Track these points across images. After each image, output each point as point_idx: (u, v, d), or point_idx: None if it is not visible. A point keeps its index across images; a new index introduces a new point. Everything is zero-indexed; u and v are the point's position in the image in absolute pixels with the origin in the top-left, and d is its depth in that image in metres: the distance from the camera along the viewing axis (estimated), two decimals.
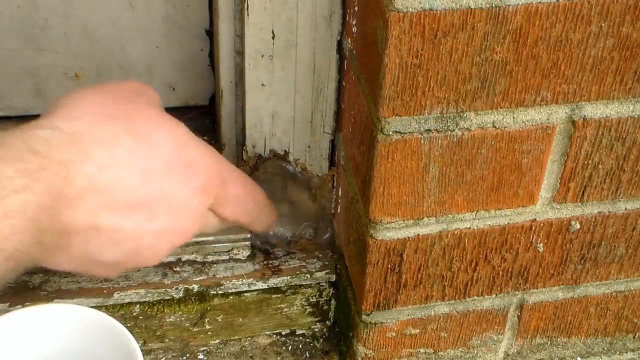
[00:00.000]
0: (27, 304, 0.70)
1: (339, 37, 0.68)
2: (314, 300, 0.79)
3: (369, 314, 0.70)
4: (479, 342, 0.75)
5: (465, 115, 0.59)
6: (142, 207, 0.55)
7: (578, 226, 0.68)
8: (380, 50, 0.55)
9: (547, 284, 0.72)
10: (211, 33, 0.80)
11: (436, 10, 0.53)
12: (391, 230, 0.64)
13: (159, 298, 0.74)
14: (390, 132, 0.58)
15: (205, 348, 0.79)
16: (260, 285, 0.76)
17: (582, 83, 0.59)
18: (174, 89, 0.84)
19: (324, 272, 0.77)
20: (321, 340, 0.81)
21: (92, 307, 0.64)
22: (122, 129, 0.54)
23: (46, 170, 0.48)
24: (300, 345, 0.80)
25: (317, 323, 0.81)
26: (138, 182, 0.54)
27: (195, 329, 0.77)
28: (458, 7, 0.53)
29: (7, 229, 0.46)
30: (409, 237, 0.65)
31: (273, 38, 0.68)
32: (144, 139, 0.55)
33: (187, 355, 0.78)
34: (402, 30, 0.53)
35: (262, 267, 0.76)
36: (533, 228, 0.67)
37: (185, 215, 0.58)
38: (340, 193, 0.75)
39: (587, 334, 0.78)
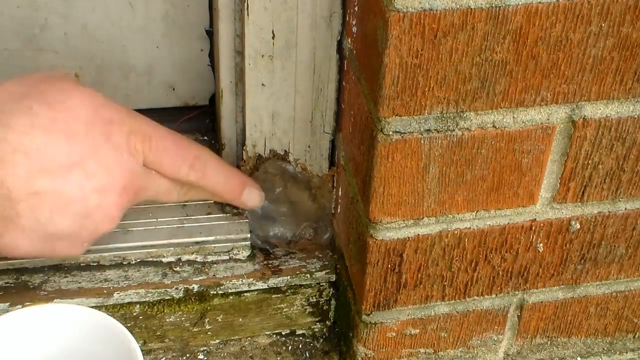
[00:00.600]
0: (27, 304, 0.70)
1: (339, 37, 0.68)
2: (314, 300, 0.79)
3: (369, 314, 0.70)
4: (479, 342, 0.75)
5: (465, 115, 0.59)
6: (74, 166, 0.58)
7: (578, 226, 0.68)
8: (380, 50, 0.55)
9: (547, 284, 0.72)
10: (211, 33, 0.80)
11: (436, 10, 0.53)
12: (391, 230, 0.64)
13: (159, 298, 0.74)
14: (390, 132, 0.58)
15: (205, 348, 0.79)
16: (260, 285, 0.76)
17: (582, 83, 0.59)
18: (174, 89, 0.84)
19: (324, 272, 0.77)
20: (321, 340, 0.81)
21: (92, 307, 0.64)
22: (36, 101, 0.58)
23: None
24: (300, 345, 0.80)
25: (317, 323, 0.81)
26: (63, 144, 0.58)
27: (195, 329, 0.77)
28: (458, 7, 0.53)
29: None
30: (409, 237, 0.65)
31: (273, 38, 0.68)
32: (59, 106, 0.58)
33: (187, 355, 0.78)
34: (402, 30, 0.53)
35: (262, 267, 0.76)
36: (533, 228, 0.67)
37: (119, 170, 0.61)
38: (340, 193, 0.75)
39: (587, 334, 0.78)
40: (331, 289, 0.79)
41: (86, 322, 0.61)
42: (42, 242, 0.60)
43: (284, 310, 0.79)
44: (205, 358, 0.78)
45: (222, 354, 0.78)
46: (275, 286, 0.76)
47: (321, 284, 0.78)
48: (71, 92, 0.60)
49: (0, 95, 0.58)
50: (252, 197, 0.73)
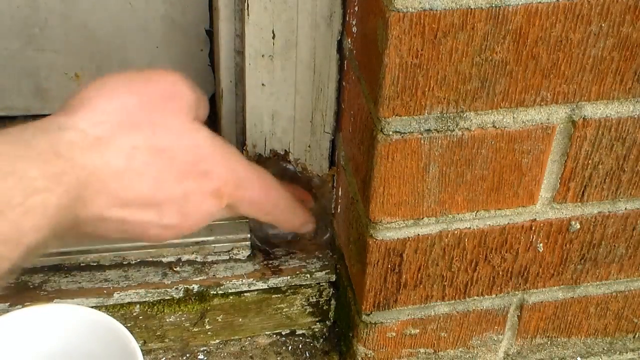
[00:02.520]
0: (27, 304, 0.70)
1: (339, 37, 0.68)
2: (314, 300, 0.79)
3: (369, 314, 0.70)
4: (479, 342, 0.75)
5: (465, 115, 0.59)
6: (152, 207, 0.57)
7: (578, 226, 0.68)
8: (380, 50, 0.55)
9: (547, 284, 0.72)
10: (211, 33, 0.80)
11: (436, 10, 0.53)
12: (391, 230, 0.64)
13: (159, 298, 0.74)
14: (390, 132, 0.58)
15: (205, 348, 0.79)
16: (260, 285, 0.76)
17: (582, 83, 0.59)
18: None
19: (324, 272, 0.77)
20: (321, 340, 0.81)
21: (92, 307, 0.64)
22: (142, 141, 0.55)
23: (68, 175, 0.50)
24: (300, 345, 0.80)
25: (317, 323, 0.81)
26: (149, 189, 0.56)
27: (195, 329, 0.77)
28: (458, 7, 0.53)
29: (28, 225, 0.48)
30: (409, 237, 0.65)
31: (273, 38, 0.68)
32: (162, 153, 0.56)
33: (187, 355, 0.78)
34: (402, 30, 0.53)
35: (262, 267, 0.76)
36: (533, 228, 0.67)
37: (194, 216, 0.60)
38: (340, 193, 0.75)
39: (587, 334, 0.78)
40: (331, 289, 0.79)
41: (86, 322, 0.61)
42: (88, 238, 0.59)
43: (284, 310, 0.79)
44: (205, 358, 0.78)
45: (222, 354, 0.78)
46: (275, 286, 0.76)
47: (321, 284, 0.78)
48: (179, 138, 0.58)
49: (116, 113, 0.55)
50: (307, 229, 0.75)
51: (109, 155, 0.54)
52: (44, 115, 0.84)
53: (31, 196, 0.48)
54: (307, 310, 0.80)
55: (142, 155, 0.55)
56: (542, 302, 0.73)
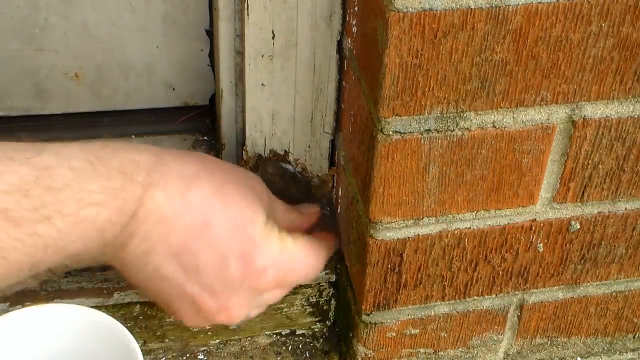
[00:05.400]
0: (27, 304, 0.70)
1: (339, 37, 0.68)
2: (314, 300, 0.79)
3: (369, 314, 0.70)
4: (479, 342, 0.75)
5: (465, 115, 0.59)
6: (200, 293, 0.58)
7: (578, 226, 0.68)
8: (380, 50, 0.55)
9: (547, 284, 0.72)
10: (211, 33, 0.80)
11: (436, 10, 0.53)
12: (391, 230, 0.64)
13: None
14: (390, 132, 0.58)
15: (205, 348, 0.79)
16: None
17: (582, 83, 0.59)
18: (173, 89, 0.84)
19: (323, 272, 0.77)
20: (321, 340, 0.81)
21: (92, 307, 0.64)
22: (205, 246, 0.57)
23: (125, 191, 0.52)
24: (300, 345, 0.80)
25: (317, 323, 0.81)
26: (212, 255, 0.58)
27: (195, 329, 0.77)
28: (458, 7, 0.53)
29: (74, 235, 0.50)
30: (409, 237, 0.65)
31: (273, 38, 0.68)
32: (235, 229, 0.58)
33: (187, 355, 0.78)
34: (402, 30, 0.53)
35: None
36: (533, 228, 0.67)
37: (238, 305, 0.61)
38: (340, 193, 0.75)
39: (587, 334, 0.78)
40: (331, 289, 0.79)
41: (86, 322, 0.61)
42: (140, 280, 0.60)
43: (284, 310, 0.79)
44: (205, 358, 0.78)
45: (222, 354, 0.78)
46: None
47: (321, 284, 0.78)
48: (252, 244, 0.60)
49: (196, 198, 0.56)
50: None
51: (176, 199, 0.55)
52: (44, 116, 0.85)
53: (84, 208, 0.50)
54: (307, 310, 0.79)
55: (204, 261, 0.57)
56: (542, 302, 0.73)
